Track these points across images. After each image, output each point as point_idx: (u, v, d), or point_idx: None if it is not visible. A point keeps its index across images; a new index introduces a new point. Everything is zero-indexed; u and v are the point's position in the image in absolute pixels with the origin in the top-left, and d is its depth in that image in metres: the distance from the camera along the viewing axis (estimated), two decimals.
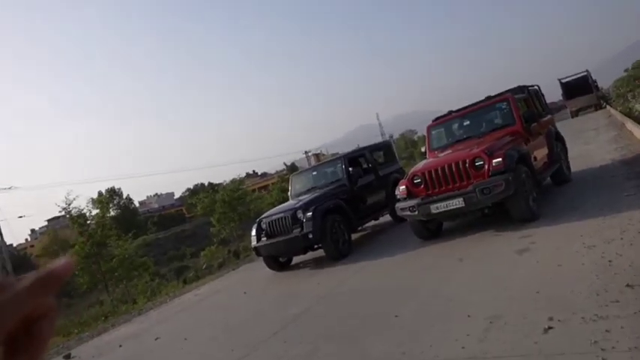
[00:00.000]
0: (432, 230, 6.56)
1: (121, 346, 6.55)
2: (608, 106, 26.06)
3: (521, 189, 5.48)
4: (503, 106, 6.88)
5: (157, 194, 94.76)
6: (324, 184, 8.64)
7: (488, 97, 7.39)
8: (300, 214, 7.32)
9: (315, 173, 9.45)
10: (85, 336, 8.51)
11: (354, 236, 8.19)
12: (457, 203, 5.63)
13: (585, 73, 28.12)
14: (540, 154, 6.80)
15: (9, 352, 0.48)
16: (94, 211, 18.66)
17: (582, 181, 7.25)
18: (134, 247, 18.66)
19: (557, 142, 7.58)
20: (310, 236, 7.06)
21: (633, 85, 22.87)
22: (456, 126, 7.57)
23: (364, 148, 10.00)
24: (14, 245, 58.78)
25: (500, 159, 5.52)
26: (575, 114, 27.95)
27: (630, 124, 11.79)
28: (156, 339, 6.19)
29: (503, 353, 2.73)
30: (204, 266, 24.88)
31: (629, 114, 15.27)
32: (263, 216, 8.27)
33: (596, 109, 27.65)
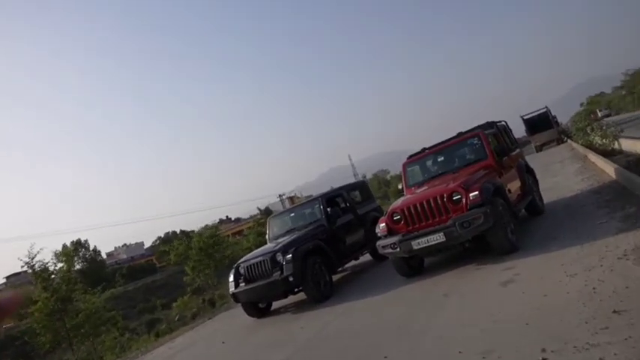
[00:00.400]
0: (414, 267, 6.52)
1: None
2: (569, 140, 27.40)
3: (499, 221, 5.53)
4: (475, 142, 7.07)
5: (125, 244, 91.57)
6: (302, 226, 8.52)
7: (460, 134, 7.62)
8: (279, 257, 7.17)
9: (292, 215, 9.37)
10: None
11: (334, 277, 8.05)
12: (438, 238, 5.62)
13: (545, 110, 29.64)
14: (514, 186, 6.96)
15: None
16: (59, 265, 17.76)
17: (555, 211, 7.45)
18: (102, 300, 17.71)
19: (528, 175, 7.81)
20: (291, 279, 6.90)
21: (590, 120, 24.21)
22: (430, 162, 7.71)
23: (341, 187, 10.00)
24: None
25: (477, 192, 5.59)
26: (539, 148, 29.18)
27: (593, 156, 12.37)
28: None
29: None
30: (176, 317, 23.81)
31: (590, 146, 16.07)
32: (241, 260, 8.06)
33: (558, 144, 29.00)
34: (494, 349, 3.19)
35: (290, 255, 7.06)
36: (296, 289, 7.37)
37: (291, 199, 60.16)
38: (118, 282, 51.51)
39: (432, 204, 5.86)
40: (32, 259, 16.29)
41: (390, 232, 6.22)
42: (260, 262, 7.42)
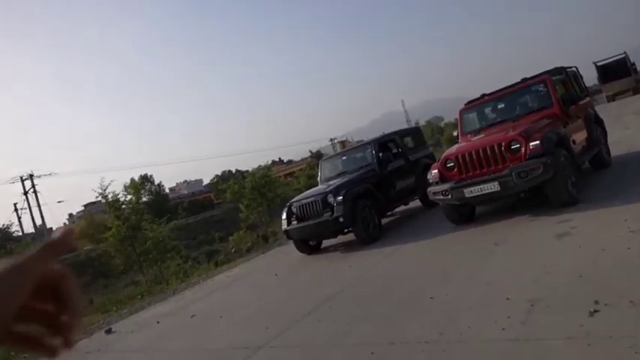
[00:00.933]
0: (465, 215, 6.45)
1: (158, 322, 6.75)
2: None
3: (560, 172, 5.32)
4: (540, 88, 6.66)
5: (186, 181, 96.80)
6: (353, 169, 8.58)
7: (524, 79, 7.16)
8: (330, 198, 7.34)
9: (344, 158, 9.41)
10: (123, 313, 8.83)
11: (383, 221, 8.13)
12: (492, 187, 5.50)
13: (623, 56, 26.83)
14: (579, 137, 6.57)
15: (46, 319, 0.49)
16: (128, 197, 19.19)
17: (623, 166, 6.96)
18: (167, 230, 19.14)
19: (596, 126, 7.31)
20: (341, 220, 7.07)
21: None
22: (489, 109, 7.38)
23: (394, 132, 9.85)
24: (54, 229, 61.18)
25: (538, 142, 5.35)
26: (612, 98, 26.76)
27: None
28: (192, 316, 6.35)
29: (546, 335, 2.66)
30: (232, 250, 25.35)
31: None
32: (293, 200, 8.33)
33: (635, 94, 26.41)
34: (544, 297, 3.16)
35: (341, 197, 7.20)
36: (346, 230, 7.52)
37: (343, 143, 60.01)
38: (180, 215, 54.99)
39: (489, 152, 5.67)
40: (105, 190, 17.74)
41: (443, 179, 6.13)
42: (312, 202, 7.63)
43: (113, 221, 17.50)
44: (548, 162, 5.19)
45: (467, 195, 5.73)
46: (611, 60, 27.16)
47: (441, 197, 6.07)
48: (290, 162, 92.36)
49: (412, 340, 3.18)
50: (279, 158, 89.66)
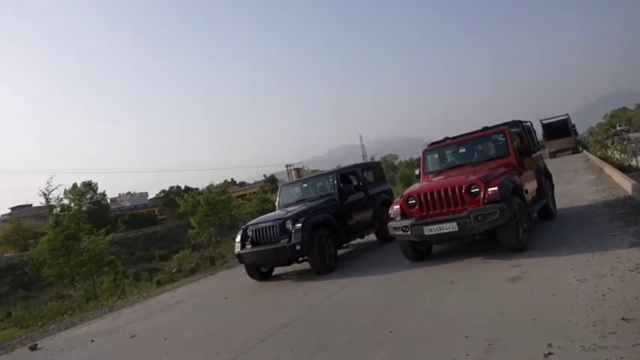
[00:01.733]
0: (422, 252, 6.63)
1: (93, 341, 6.31)
2: (585, 150, 27.10)
3: (513, 219, 5.62)
4: (500, 138, 7.08)
5: (129, 193, 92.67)
6: (313, 197, 8.62)
7: (485, 128, 7.60)
8: (289, 225, 7.28)
9: (305, 185, 9.46)
10: (50, 329, 8.18)
11: (339, 252, 8.14)
12: (451, 227, 5.72)
13: (565, 117, 29.26)
14: (531, 187, 6.97)
15: None
16: (66, 202, 18.05)
17: (567, 218, 7.48)
18: (106, 243, 18.11)
19: (545, 179, 7.86)
20: (298, 247, 7.03)
21: (609, 134, 23.85)
22: (450, 152, 7.74)
23: (356, 165, 10.08)
24: None
25: (496, 187, 5.65)
26: (553, 155, 28.93)
27: (609, 169, 12.29)
28: (132, 337, 5.99)
29: None
30: (174, 269, 24.32)
31: (606, 159, 15.93)
32: (249, 223, 8.18)
33: (573, 152, 28.72)
34: (501, 337, 3.29)
35: (300, 224, 7.16)
36: (301, 258, 7.50)
37: (298, 170, 60.24)
38: (119, 228, 52.34)
39: (450, 193, 5.91)
40: (50, 192, 16.64)
41: (403, 215, 6.30)
42: (269, 227, 7.51)
43: (50, 227, 16.35)
44: (504, 208, 5.47)
45: (426, 233, 5.92)
46: (555, 119, 29.52)
47: (401, 233, 6.21)
48: (243, 184, 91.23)
49: None
50: (232, 179, 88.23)
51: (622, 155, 14.68)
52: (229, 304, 6.84)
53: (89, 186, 51.81)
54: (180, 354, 4.77)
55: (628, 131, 47.51)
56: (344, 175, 9.13)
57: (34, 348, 6.64)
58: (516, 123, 7.79)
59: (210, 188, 21.43)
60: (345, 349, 3.80)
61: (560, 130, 28.59)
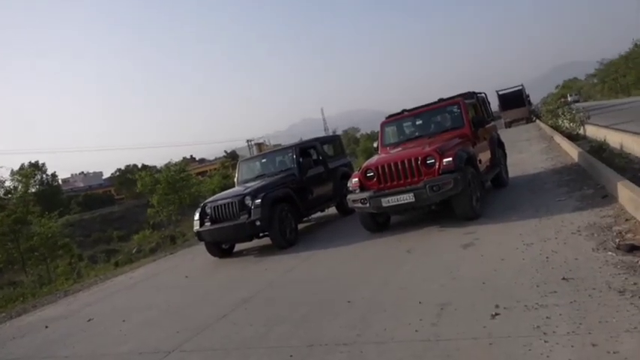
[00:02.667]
0: (380, 223, 6.79)
1: (47, 327, 6.12)
2: (537, 120, 28.26)
3: (467, 188, 5.83)
4: (455, 110, 7.22)
5: (83, 173, 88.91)
6: (272, 172, 8.57)
7: (441, 100, 7.72)
8: (248, 201, 7.24)
9: (264, 160, 9.37)
10: (1, 317, 7.86)
11: (299, 226, 8.18)
12: (407, 198, 5.89)
13: (520, 88, 30.24)
14: (484, 157, 7.19)
15: None
16: (14, 185, 17.16)
17: (518, 186, 7.84)
18: (58, 226, 17.41)
19: (498, 149, 8.14)
20: (258, 223, 7.02)
21: (560, 103, 24.92)
22: (408, 124, 7.87)
23: (315, 139, 10.01)
24: None
25: (450, 158, 5.82)
26: (508, 125, 30.00)
27: (559, 138, 12.89)
28: (88, 320, 5.86)
29: (455, 336, 2.91)
30: (134, 250, 23.79)
31: (556, 128, 16.69)
32: (208, 200, 8.11)
33: (527, 122, 29.89)
34: (452, 302, 3.45)
35: (259, 200, 7.14)
36: (261, 234, 7.51)
37: (259, 145, 59.61)
38: (73, 209, 50.41)
39: (406, 165, 6.05)
40: None
41: (362, 187, 6.41)
42: (228, 203, 7.45)
43: None
44: (458, 178, 5.66)
45: (384, 204, 6.06)
46: (510, 90, 30.47)
47: (360, 205, 6.33)
48: (203, 160, 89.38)
49: (330, 342, 3.28)
50: (191, 156, 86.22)
51: (571, 124, 15.40)
52: (189, 283, 6.80)
53: (37, 167, 49.29)
54: (139, 335, 4.71)
55: (578, 101, 49.90)
56: (303, 149, 9.09)
57: None
58: (471, 94, 7.93)
59: (168, 166, 20.86)
60: (305, 320, 3.87)
61: (515, 100, 29.59)
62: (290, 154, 8.71)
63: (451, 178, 5.64)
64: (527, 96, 30.76)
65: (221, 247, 8.00)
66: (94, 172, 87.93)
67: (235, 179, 9.47)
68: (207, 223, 7.62)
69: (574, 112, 15.90)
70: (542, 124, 22.50)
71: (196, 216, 7.88)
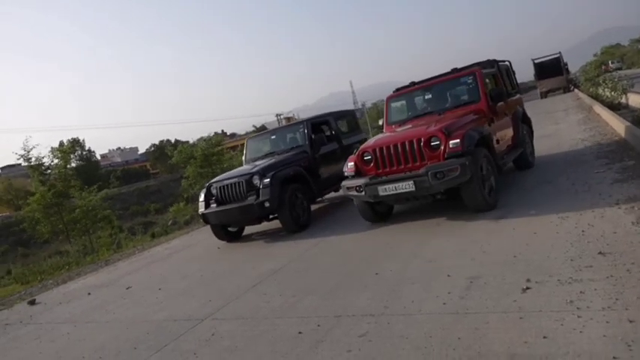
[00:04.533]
0: (381, 213, 6.06)
1: (89, 293, 6.45)
2: (576, 89, 26.90)
3: (478, 175, 4.97)
4: (469, 81, 6.27)
5: (120, 148, 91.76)
6: (283, 150, 8.01)
7: (455, 70, 6.74)
8: (256, 180, 6.77)
9: (274, 137, 8.78)
10: (48, 284, 8.33)
11: (312, 207, 7.67)
12: (407, 186, 5.09)
13: (557, 55, 28.73)
14: (504, 136, 6.34)
15: None
16: (55, 161, 17.88)
17: (554, 158, 7.50)
18: (98, 199, 18.11)
19: (523, 125, 7.08)
20: (267, 204, 6.50)
21: (600, 71, 23.54)
22: (417, 99, 6.92)
23: (328, 114, 9.19)
24: None
25: (458, 140, 4.95)
26: (544, 95, 28.71)
27: (598, 107, 12.24)
28: (127, 288, 6.12)
29: (483, 309, 2.86)
30: (169, 222, 24.57)
31: (596, 97, 15.84)
32: (213, 180, 7.60)
33: (565, 92, 28.50)
34: (481, 275, 3.38)
35: (268, 179, 6.65)
36: (271, 216, 7.00)
37: (288, 119, 59.60)
38: (112, 183, 52.30)
39: (407, 147, 5.25)
40: (28, 152, 16.39)
41: (358, 172, 5.69)
42: (235, 183, 7.00)
43: (37, 187, 16.27)
44: (467, 163, 4.79)
45: (381, 193, 5.30)
46: (547, 58, 29.00)
47: (355, 193, 5.60)
48: (234, 135, 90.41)
49: (357, 313, 3.29)
50: (222, 130, 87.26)
51: (612, 93, 14.56)
52: (221, 254, 6.95)
53: (76, 143, 51.15)
54: (173, 303, 4.89)
55: (620, 68, 47.05)
56: (315, 124, 8.43)
57: (32, 302, 6.78)
58: (491, 63, 6.92)
59: (205, 139, 21.12)
60: (332, 291, 3.90)
61: (551, 68, 28.17)
62: (301, 130, 8.06)
63: (458, 164, 4.78)
64: (565, 64, 29.18)
65: (228, 231, 7.56)
66: (130, 148, 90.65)
67: (243, 157, 8.91)
68: (213, 205, 7.17)
69: (616, 80, 15.00)
70: (580, 94, 21.41)
71: (201, 197, 7.42)
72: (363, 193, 5.46)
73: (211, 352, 3.33)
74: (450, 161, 4.88)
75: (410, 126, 6.10)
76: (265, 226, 7.69)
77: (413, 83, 7.11)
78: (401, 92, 7.05)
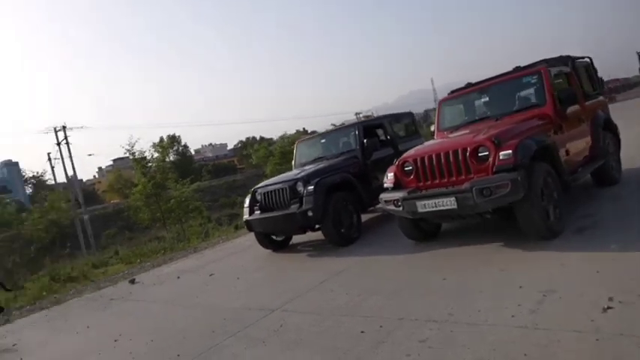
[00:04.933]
0: (426, 231, 5.36)
1: (179, 277, 7.03)
2: None
3: (535, 193, 4.14)
4: (533, 81, 5.37)
5: (211, 144, 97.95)
6: (333, 155, 7.43)
7: (517, 68, 5.83)
8: (300, 187, 6.26)
9: (324, 141, 8.10)
10: (146, 265, 9.21)
11: (364, 217, 7.09)
12: (448, 203, 4.38)
13: None
14: (578, 146, 5.36)
15: None
16: (155, 155, 19.67)
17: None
18: (190, 191, 19.60)
19: (605, 132, 5.90)
20: (310, 214, 5.93)
21: None
22: (472, 103, 6.12)
23: (384, 116, 8.55)
24: (84, 180, 63.67)
25: (510, 151, 4.15)
26: None
27: None
28: (210, 275, 6.58)
29: (556, 326, 2.65)
30: None
31: None
32: (259, 185, 7.20)
33: None
34: (557, 289, 3.14)
35: (312, 186, 6.10)
36: (316, 227, 6.42)
37: (367, 117, 59.32)
38: (203, 177, 56.07)
39: (451, 158, 4.52)
40: (132, 146, 18.20)
41: (399, 184, 5.06)
42: (279, 189, 6.53)
43: (139, 178, 18.02)
44: (518, 179, 3.99)
45: (420, 209, 4.63)
46: None
47: (392, 208, 4.95)
48: (314, 133, 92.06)
49: (421, 318, 3.23)
50: (304, 128, 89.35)
51: None
52: (296, 249, 7.17)
53: (173, 139, 55.56)
54: (249, 293, 5.16)
55: None
56: (368, 127, 7.83)
57: (132, 282, 7.56)
58: (564, 59, 5.88)
59: (283, 137, 21.89)
60: (397, 293, 3.86)
61: None
62: (353, 134, 7.41)
63: (508, 179, 4.01)
64: None
65: (272, 239, 7.15)
66: (220, 144, 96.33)
67: (293, 162, 8.43)
68: (257, 212, 6.76)
69: None
70: None
71: (246, 202, 7.07)
72: (401, 208, 4.82)
73: (279, 342, 3.48)
74: (500, 176, 4.12)
75: (463, 132, 5.36)
76: (313, 235, 6.97)
77: (470, 84, 6.32)
78: (455, 94, 6.32)
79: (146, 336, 4.42)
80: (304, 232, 6.60)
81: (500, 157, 4.20)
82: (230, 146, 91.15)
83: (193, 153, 72.62)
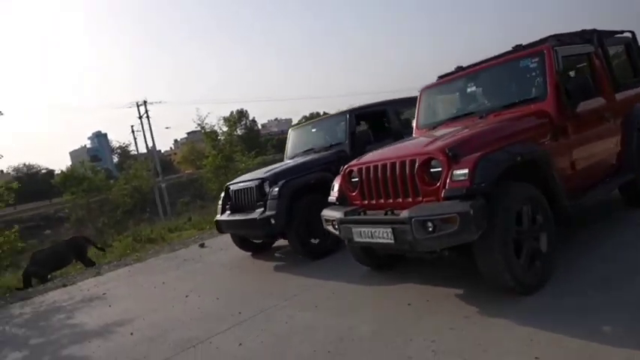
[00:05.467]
0: (380, 259, 4.12)
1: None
2: None
3: (499, 231, 2.80)
4: (532, 65, 3.79)
5: (277, 119, 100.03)
6: (321, 147, 6.16)
7: (518, 47, 4.18)
8: (267, 188, 5.21)
9: (314, 130, 6.81)
10: (214, 232, 9.82)
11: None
12: (384, 235, 3.13)
13: None
14: (595, 154, 3.88)
15: None
16: (224, 129, 20.53)
17: None
18: (255, 163, 20.32)
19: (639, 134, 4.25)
20: (272, 221, 4.88)
21: None
22: (460, 92, 4.58)
23: (386, 102, 6.92)
24: (162, 151, 68.34)
25: (465, 170, 2.82)
26: None
27: None
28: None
29: None
30: None
31: None
32: (232, 181, 6.19)
33: None
34: None
35: (277, 188, 5.02)
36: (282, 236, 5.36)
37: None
38: (268, 151, 57.66)
39: (398, 171, 3.24)
40: (203, 121, 19.13)
41: (342, 200, 3.87)
42: (247, 188, 5.51)
43: (209, 151, 18.97)
44: (470, 213, 2.65)
45: (356, 238, 3.44)
46: None
47: (331, 229, 3.80)
48: None
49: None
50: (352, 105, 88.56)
51: None
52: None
53: (241, 113, 57.43)
54: (298, 263, 5.30)
55: None
56: (362, 115, 6.38)
57: (202, 246, 8.07)
58: (584, 35, 4.19)
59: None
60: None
61: None
62: (342, 123, 6.07)
63: (455, 212, 2.71)
64: None
65: (249, 241, 6.18)
66: (285, 119, 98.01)
67: (285, 153, 7.13)
68: (227, 212, 5.81)
69: None
70: None
71: (220, 200, 6.11)
72: (338, 232, 3.65)
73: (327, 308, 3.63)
74: (449, 204, 2.82)
75: (442, 132, 3.82)
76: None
77: (460, 68, 4.66)
78: (441, 81, 4.80)
79: (213, 294, 4.77)
80: (272, 240, 5.80)
81: (453, 178, 2.88)
82: (295, 121, 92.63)
83: (260, 127, 74.67)
